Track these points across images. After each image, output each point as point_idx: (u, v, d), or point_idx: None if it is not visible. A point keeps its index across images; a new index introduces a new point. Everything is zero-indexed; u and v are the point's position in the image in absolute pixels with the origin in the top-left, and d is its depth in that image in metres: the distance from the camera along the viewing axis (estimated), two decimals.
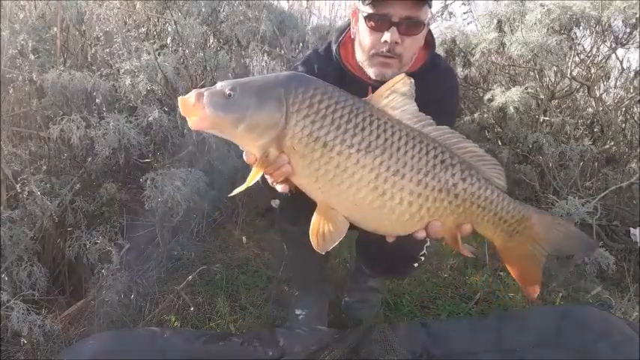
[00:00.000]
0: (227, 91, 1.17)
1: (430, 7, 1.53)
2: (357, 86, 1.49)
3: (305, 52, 3.24)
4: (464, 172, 1.24)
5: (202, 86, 2.56)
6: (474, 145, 1.29)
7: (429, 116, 1.26)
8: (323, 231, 1.23)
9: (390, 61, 1.51)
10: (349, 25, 1.68)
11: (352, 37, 1.64)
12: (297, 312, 2.00)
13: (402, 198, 1.20)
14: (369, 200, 1.20)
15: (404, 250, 1.68)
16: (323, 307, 2.04)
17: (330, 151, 1.17)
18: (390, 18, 1.46)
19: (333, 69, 1.64)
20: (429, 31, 1.65)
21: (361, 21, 1.53)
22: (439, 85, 1.65)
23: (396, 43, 1.47)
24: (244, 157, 1.25)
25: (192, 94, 1.17)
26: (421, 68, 1.64)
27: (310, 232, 1.24)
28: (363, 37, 1.53)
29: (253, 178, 1.21)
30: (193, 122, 1.17)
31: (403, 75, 1.25)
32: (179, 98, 1.18)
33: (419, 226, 1.25)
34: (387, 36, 1.47)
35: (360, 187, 1.19)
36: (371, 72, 1.56)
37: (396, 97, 1.24)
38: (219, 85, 1.20)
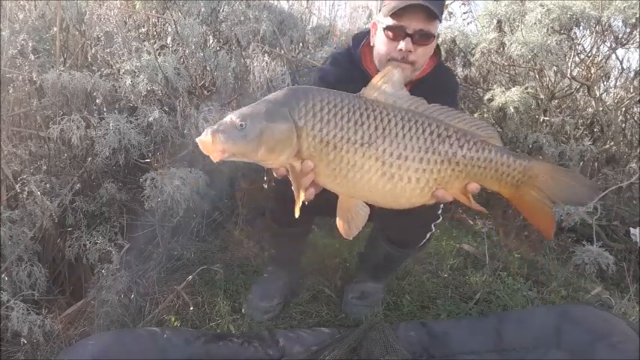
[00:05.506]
0: (238, 123, 1.27)
1: (440, 21, 1.72)
2: None
3: (305, 53, 3.26)
4: (460, 140, 1.36)
5: (202, 86, 2.58)
6: (464, 113, 1.42)
7: (420, 97, 1.38)
8: (347, 219, 1.38)
9: (404, 65, 1.70)
10: (365, 34, 1.90)
11: (372, 44, 1.83)
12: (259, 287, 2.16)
13: (409, 177, 1.33)
14: (382, 185, 1.33)
15: (419, 217, 1.81)
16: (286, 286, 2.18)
17: (340, 151, 1.30)
18: (405, 30, 1.67)
19: (356, 72, 1.84)
20: (437, 44, 1.85)
21: (380, 31, 1.75)
22: (444, 87, 1.87)
23: (409, 51, 1.68)
24: (274, 174, 1.40)
25: (208, 133, 1.26)
26: (429, 74, 1.86)
27: (337, 221, 1.40)
28: (381, 45, 1.74)
29: (299, 193, 1.32)
30: (216, 157, 1.27)
31: (390, 67, 1.39)
32: (197, 140, 1.27)
33: (431, 195, 1.38)
34: (401, 45, 1.67)
35: (371, 176, 1.32)
36: None
37: (387, 86, 1.36)
38: (228, 118, 1.29)
